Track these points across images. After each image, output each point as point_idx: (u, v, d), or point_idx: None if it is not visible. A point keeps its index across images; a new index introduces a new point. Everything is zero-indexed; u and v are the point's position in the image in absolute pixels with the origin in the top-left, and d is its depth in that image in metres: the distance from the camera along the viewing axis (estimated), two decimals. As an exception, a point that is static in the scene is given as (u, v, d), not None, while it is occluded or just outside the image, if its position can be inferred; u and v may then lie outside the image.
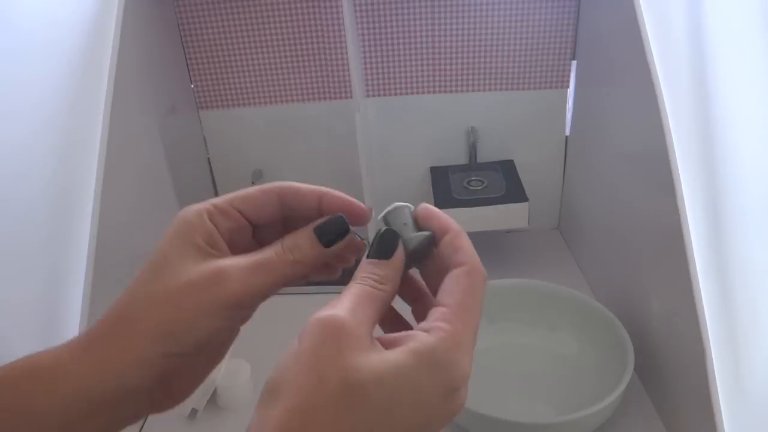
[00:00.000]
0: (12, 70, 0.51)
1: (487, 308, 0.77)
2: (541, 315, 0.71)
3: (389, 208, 0.31)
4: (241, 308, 0.29)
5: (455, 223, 0.31)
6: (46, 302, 0.50)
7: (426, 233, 0.30)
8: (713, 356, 0.50)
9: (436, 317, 0.27)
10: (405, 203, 0.32)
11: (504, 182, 0.85)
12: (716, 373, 0.49)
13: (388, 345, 0.26)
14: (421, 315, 0.32)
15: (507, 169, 0.89)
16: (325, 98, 0.90)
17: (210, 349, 0.31)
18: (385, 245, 0.29)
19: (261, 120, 0.92)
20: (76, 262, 0.55)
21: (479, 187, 0.85)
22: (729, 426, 0.48)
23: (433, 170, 0.92)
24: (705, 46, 0.53)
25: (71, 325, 0.52)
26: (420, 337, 0.25)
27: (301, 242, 0.30)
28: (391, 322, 0.32)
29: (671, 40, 0.58)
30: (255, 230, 0.32)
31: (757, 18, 0.48)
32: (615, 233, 0.75)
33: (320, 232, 0.31)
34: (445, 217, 0.31)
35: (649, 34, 0.60)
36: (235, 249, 0.31)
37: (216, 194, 0.98)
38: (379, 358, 0.24)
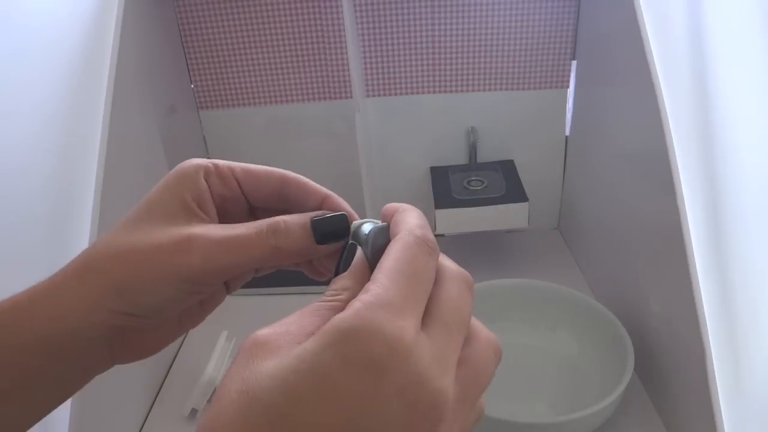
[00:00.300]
0: (12, 70, 0.51)
1: (488, 308, 0.78)
2: (541, 315, 0.71)
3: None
4: (199, 283, 0.27)
5: (407, 205, 0.28)
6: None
7: (377, 224, 0.28)
8: (713, 356, 0.50)
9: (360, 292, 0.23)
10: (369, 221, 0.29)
11: (504, 182, 0.85)
12: (716, 373, 0.49)
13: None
14: None
15: (507, 169, 0.89)
16: (325, 98, 0.90)
17: (168, 316, 0.29)
18: (346, 259, 0.27)
19: (261, 120, 0.92)
20: (76, 262, 0.55)
21: (479, 187, 0.85)
22: (729, 426, 0.48)
23: (433, 170, 0.92)
24: (705, 46, 0.53)
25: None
26: (334, 317, 0.21)
27: (292, 229, 0.28)
28: None
29: (671, 40, 0.58)
30: (253, 211, 0.31)
31: (757, 18, 0.48)
32: (615, 233, 0.75)
33: (318, 225, 0.28)
34: (397, 204, 0.28)
35: (649, 34, 0.60)
36: (227, 220, 0.29)
37: (216, 194, 0.98)
38: (280, 357, 0.21)
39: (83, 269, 0.27)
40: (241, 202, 0.30)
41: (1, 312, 0.27)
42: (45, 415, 0.28)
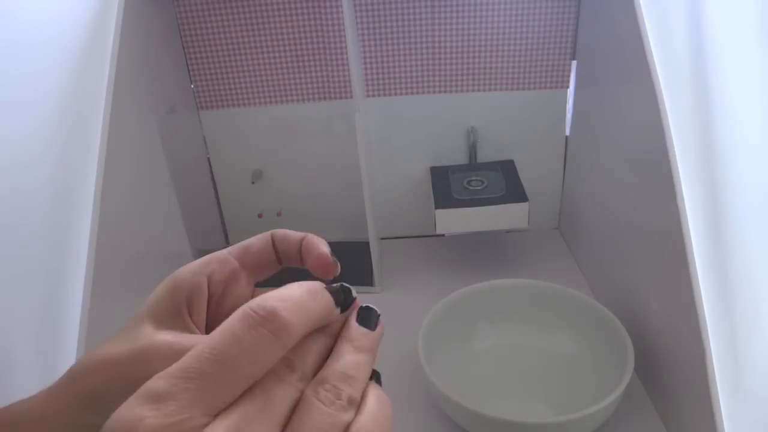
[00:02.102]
0: (12, 70, 0.51)
1: (488, 308, 0.78)
2: (541, 315, 0.71)
3: None
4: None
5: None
6: (46, 302, 0.50)
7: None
8: (713, 356, 0.50)
9: None
10: None
11: (504, 182, 0.85)
12: (716, 373, 0.49)
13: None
14: None
15: (507, 169, 0.89)
16: (325, 98, 0.90)
17: None
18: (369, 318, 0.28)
19: (261, 120, 0.92)
20: (76, 262, 0.55)
21: (479, 187, 0.85)
22: (729, 426, 0.48)
23: (433, 170, 0.92)
24: (705, 46, 0.53)
25: (71, 325, 0.52)
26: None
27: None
28: None
29: (671, 40, 0.58)
30: (257, 274, 0.34)
31: (757, 18, 0.48)
32: (615, 233, 0.75)
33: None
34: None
35: (649, 34, 0.60)
36: (228, 298, 0.32)
37: (216, 194, 0.98)
38: None
39: (68, 380, 0.28)
40: (241, 277, 0.33)
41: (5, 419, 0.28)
42: None
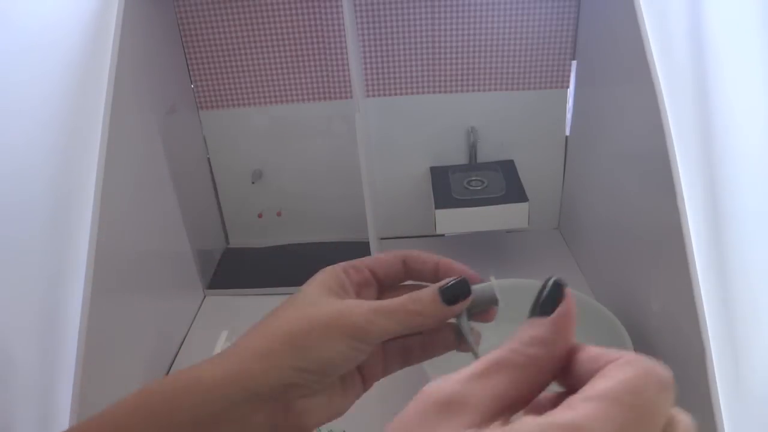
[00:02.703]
0: (12, 70, 0.51)
1: (487, 308, 0.76)
2: (541, 315, 0.71)
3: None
4: (361, 341, 0.32)
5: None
6: (46, 302, 0.50)
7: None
8: (713, 356, 0.50)
9: (580, 397, 0.20)
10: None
11: (504, 182, 0.85)
12: (716, 373, 0.49)
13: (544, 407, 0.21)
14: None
15: (507, 169, 0.89)
16: (325, 98, 0.90)
17: (333, 381, 0.33)
18: (546, 298, 0.25)
19: (261, 120, 0.92)
20: (76, 262, 0.55)
21: (479, 187, 0.85)
22: (729, 426, 0.48)
23: (433, 170, 0.92)
24: (705, 46, 0.53)
25: (71, 325, 0.52)
26: (553, 413, 0.19)
27: (424, 297, 0.33)
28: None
29: (671, 40, 0.58)
30: (381, 291, 0.38)
31: (757, 18, 0.48)
32: (615, 233, 0.75)
33: (444, 290, 0.34)
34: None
35: (649, 34, 0.60)
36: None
37: (216, 194, 0.98)
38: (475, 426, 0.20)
39: (256, 333, 0.33)
40: (373, 286, 0.37)
41: (188, 377, 0.31)
42: None
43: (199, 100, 0.91)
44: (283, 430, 0.32)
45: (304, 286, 0.35)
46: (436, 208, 0.81)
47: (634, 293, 0.68)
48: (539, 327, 0.24)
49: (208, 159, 0.95)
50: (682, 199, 0.54)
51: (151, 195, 0.74)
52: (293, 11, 0.84)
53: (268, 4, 0.83)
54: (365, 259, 0.38)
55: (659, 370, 0.22)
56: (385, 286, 0.38)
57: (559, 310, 0.24)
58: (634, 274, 0.69)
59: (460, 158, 0.94)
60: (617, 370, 0.21)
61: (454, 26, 0.85)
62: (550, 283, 0.25)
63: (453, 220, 0.81)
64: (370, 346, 0.33)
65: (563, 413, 0.19)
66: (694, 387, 0.53)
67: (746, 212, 0.49)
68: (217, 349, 0.70)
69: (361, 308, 0.32)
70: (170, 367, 0.75)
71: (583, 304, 0.68)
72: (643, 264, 0.66)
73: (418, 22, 0.84)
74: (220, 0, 0.83)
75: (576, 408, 0.19)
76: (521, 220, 0.81)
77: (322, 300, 0.34)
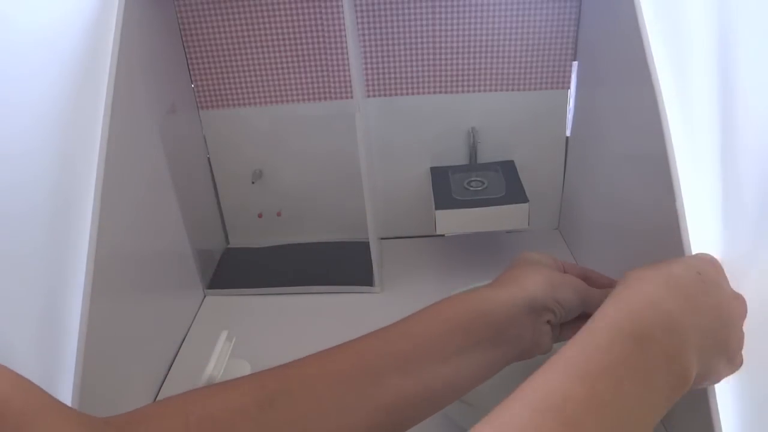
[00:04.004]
0: (12, 70, 0.51)
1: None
2: (541, 315, 0.71)
3: None
4: (584, 301, 0.49)
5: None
6: (46, 302, 0.50)
7: None
8: (713, 357, 0.50)
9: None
10: None
11: (504, 183, 0.85)
12: (716, 374, 0.49)
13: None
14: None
15: (507, 169, 0.89)
16: (325, 98, 0.90)
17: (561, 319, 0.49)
18: None
19: (261, 120, 0.92)
20: (76, 262, 0.55)
21: (479, 188, 0.85)
22: (729, 426, 0.48)
23: (434, 170, 0.92)
24: (706, 47, 0.53)
25: (71, 325, 0.52)
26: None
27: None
28: None
29: (672, 41, 0.58)
30: None
31: (757, 18, 0.48)
32: (615, 233, 0.75)
33: None
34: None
35: (649, 35, 0.60)
36: None
37: (216, 194, 0.98)
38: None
39: (525, 268, 0.51)
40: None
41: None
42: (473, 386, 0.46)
43: (199, 100, 0.91)
44: (530, 340, 0.47)
45: (535, 259, 0.53)
46: (437, 208, 0.81)
47: (634, 294, 0.68)
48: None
49: (208, 159, 0.95)
50: (682, 199, 0.54)
51: (151, 195, 0.74)
52: (293, 11, 0.84)
53: (268, 4, 0.83)
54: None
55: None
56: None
57: None
58: (634, 275, 0.69)
59: (461, 159, 0.94)
60: None
61: (454, 26, 0.85)
62: None
63: (453, 221, 0.81)
64: (582, 308, 0.48)
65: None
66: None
67: (746, 212, 0.49)
68: (217, 349, 0.70)
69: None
70: (170, 367, 0.75)
71: (583, 304, 0.68)
72: (643, 264, 0.66)
73: (418, 22, 0.84)
74: (220, 0, 0.83)
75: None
76: (521, 220, 0.81)
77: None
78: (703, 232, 0.53)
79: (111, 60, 0.64)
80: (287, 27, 0.85)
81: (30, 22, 0.54)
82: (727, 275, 0.46)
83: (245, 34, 0.85)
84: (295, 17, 0.84)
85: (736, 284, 0.47)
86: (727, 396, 0.49)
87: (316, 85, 0.89)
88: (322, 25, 0.84)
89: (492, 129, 0.92)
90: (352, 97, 0.85)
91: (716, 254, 0.50)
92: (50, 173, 0.54)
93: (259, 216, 0.99)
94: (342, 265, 0.91)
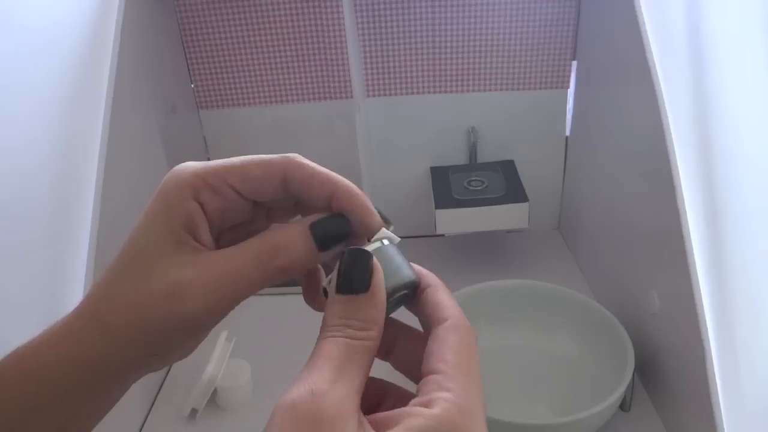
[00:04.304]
0: (12, 70, 0.51)
1: (487, 309, 0.77)
2: (541, 315, 0.71)
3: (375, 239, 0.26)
4: (205, 325, 0.26)
5: (434, 277, 0.27)
6: (46, 302, 0.50)
7: (410, 276, 0.26)
8: (713, 356, 0.50)
9: (431, 387, 0.22)
10: (386, 235, 0.26)
11: (504, 182, 0.85)
12: (716, 373, 0.49)
13: (379, 426, 0.21)
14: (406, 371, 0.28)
15: (507, 169, 0.89)
16: (325, 98, 0.90)
17: (186, 346, 0.28)
18: (358, 271, 0.24)
19: (261, 120, 0.92)
20: (76, 262, 0.55)
21: (479, 188, 0.85)
22: (729, 426, 0.48)
23: (434, 170, 0.92)
24: (705, 47, 0.53)
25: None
26: (420, 412, 0.21)
27: (292, 244, 0.25)
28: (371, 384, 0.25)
29: (671, 40, 0.58)
30: (255, 210, 0.28)
31: (757, 18, 0.48)
32: (615, 233, 0.75)
33: (319, 233, 0.26)
34: (423, 270, 0.27)
35: (649, 35, 0.60)
36: (228, 224, 0.28)
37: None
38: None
39: (93, 322, 0.26)
40: (243, 205, 0.27)
41: (23, 356, 0.27)
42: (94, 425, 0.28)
43: (200, 100, 0.91)
44: (149, 369, 0.28)
45: (140, 230, 0.27)
46: (437, 208, 0.81)
47: (634, 293, 0.68)
48: (366, 306, 0.24)
49: (208, 159, 0.95)
50: (682, 199, 0.54)
51: (151, 195, 0.74)
52: (293, 11, 0.84)
53: (268, 4, 0.83)
54: (229, 168, 0.26)
55: (467, 328, 0.25)
56: (260, 205, 0.28)
57: (374, 281, 0.24)
58: (634, 275, 0.69)
59: (461, 158, 0.94)
60: (440, 343, 0.24)
61: (454, 26, 0.85)
62: (353, 254, 0.24)
63: (453, 220, 0.81)
64: (216, 322, 0.27)
65: (443, 396, 0.22)
66: (694, 387, 0.53)
67: (746, 212, 0.49)
68: (217, 349, 0.70)
69: (197, 287, 0.25)
70: (170, 367, 0.75)
71: (583, 304, 0.68)
72: (643, 264, 0.66)
73: (418, 22, 0.84)
74: (220, 0, 0.83)
75: (449, 389, 0.22)
76: (521, 220, 0.81)
77: (154, 266, 0.25)
78: (703, 231, 0.53)
79: (111, 60, 0.64)
80: (287, 27, 0.85)
81: (31, 22, 0.54)
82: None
83: (245, 34, 0.85)
84: (294, 17, 0.84)
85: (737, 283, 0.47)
86: (727, 396, 0.49)
87: (316, 85, 0.89)
88: (321, 25, 0.84)
89: (492, 129, 0.92)
90: (352, 97, 0.85)
91: (716, 254, 0.50)
92: (51, 173, 0.54)
93: (259, 216, 0.99)
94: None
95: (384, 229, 0.26)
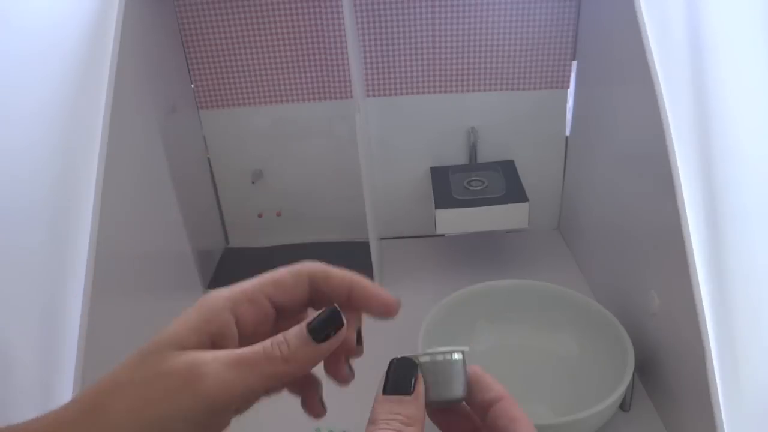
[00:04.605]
0: (13, 70, 0.51)
1: (487, 309, 0.77)
2: (541, 315, 0.71)
3: (437, 351, 0.30)
4: (216, 411, 0.26)
5: (505, 390, 0.30)
6: (46, 302, 0.50)
7: (455, 394, 0.29)
8: (713, 356, 0.50)
9: None
10: (455, 349, 0.30)
11: (504, 182, 0.85)
12: (716, 373, 0.49)
13: None
14: None
15: (507, 169, 0.89)
16: (325, 98, 0.90)
17: None
18: (402, 377, 0.28)
19: (261, 120, 0.92)
20: (76, 262, 0.55)
21: (479, 188, 0.85)
22: (729, 426, 0.48)
23: (434, 170, 0.92)
24: (705, 46, 0.53)
25: (71, 326, 0.52)
26: None
27: (292, 339, 0.28)
28: None
29: (671, 40, 0.58)
30: (279, 316, 0.31)
31: (757, 18, 0.48)
32: (615, 233, 0.75)
33: (313, 327, 0.28)
34: (496, 383, 0.30)
35: (649, 35, 0.60)
36: (256, 338, 0.29)
37: (216, 194, 0.98)
38: None
39: (89, 411, 0.25)
40: (272, 315, 0.30)
41: None
42: None
43: (199, 100, 0.91)
44: None
45: (174, 325, 0.28)
46: (437, 208, 0.81)
47: (634, 293, 0.68)
48: (410, 406, 0.27)
49: (208, 159, 0.95)
50: (682, 199, 0.54)
51: (151, 195, 0.74)
52: (293, 11, 0.84)
53: (268, 4, 0.83)
54: (263, 282, 0.30)
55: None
56: (285, 314, 0.31)
57: (417, 387, 0.28)
58: (634, 275, 0.69)
59: (461, 158, 0.94)
60: None
61: (454, 26, 0.85)
62: (399, 362, 0.28)
63: (453, 220, 0.81)
64: (232, 414, 0.27)
65: None
66: (694, 387, 0.53)
67: (746, 212, 0.49)
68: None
69: (213, 366, 0.25)
70: (170, 367, 0.75)
71: (583, 304, 0.68)
72: (643, 264, 0.66)
73: (418, 22, 0.84)
74: (220, 0, 0.83)
75: None
76: (521, 220, 0.81)
77: (171, 355, 0.26)
78: (703, 231, 0.53)
79: (111, 60, 0.64)
80: (287, 27, 0.85)
81: (31, 22, 0.54)
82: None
83: (245, 34, 0.85)
84: (294, 17, 0.84)
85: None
86: (727, 396, 0.49)
87: (316, 85, 0.89)
88: (321, 25, 0.84)
89: (492, 129, 0.92)
90: (352, 97, 0.85)
91: (716, 254, 0.50)
92: (51, 173, 0.54)
93: (260, 216, 0.99)
94: (342, 265, 0.91)
95: (454, 348, 0.30)
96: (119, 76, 0.64)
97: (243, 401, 0.27)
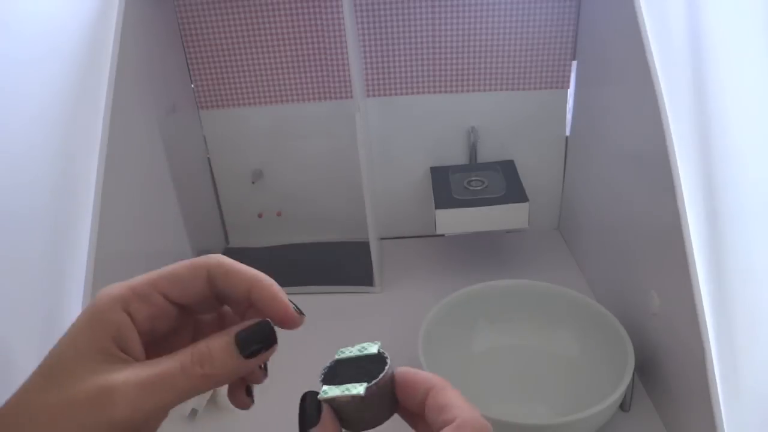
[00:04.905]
0: (12, 71, 0.51)
1: (487, 309, 0.77)
2: (541, 315, 0.71)
3: (347, 351, 0.28)
4: None
5: (437, 378, 0.27)
6: (46, 302, 0.50)
7: (357, 392, 0.26)
8: (713, 356, 0.50)
9: None
10: (371, 345, 0.28)
11: (504, 182, 0.85)
12: (716, 373, 0.49)
13: None
14: None
15: (507, 169, 0.89)
16: (325, 98, 0.90)
17: None
18: (307, 413, 0.26)
19: (261, 120, 0.92)
20: (76, 262, 0.55)
21: (479, 188, 0.85)
22: (729, 426, 0.48)
23: (434, 170, 0.92)
24: (705, 46, 0.53)
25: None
26: None
27: (217, 352, 0.26)
28: None
29: (671, 40, 0.58)
30: (184, 311, 0.29)
31: (757, 18, 0.48)
32: (615, 233, 0.75)
33: (243, 340, 0.26)
34: (423, 376, 0.27)
35: (649, 35, 0.60)
36: (157, 334, 0.28)
37: (216, 194, 0.98)
38: None
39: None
40: (171, 311, 0.28)
41: None
42: None
43: (199, 100, 0.91)
44: None
45: (65, 342, 0.26)
46: (437, 208, 0.81)
47: (634, 293, 0.68)
48: None
49: (208, 159, 0.95)
50: (682, 199, 0.54)
51: (151, 195, 0.74)
52: (293, 11, 0.84)
53: (268, 4, 0.83)
54: (156, 277, 0.27)
55: (473, 426, 0.25)
56: (190, 310, 0.29)
57: (322, 415, 0.26)
58: (634, 275, 0.69)
59: (461, 158, 0.94)
60: None
61: (454, 26, 0.85)
62: (303, 397, 0.26)
63: (453, 221, 0.81)
64: (146, 427, 0.26)
65: None
66: (694, 387, 0.53)
67: (746, 212, 0.49)
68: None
69: (125, 390, 0.24)
70: (170, 367, 0.75)
71: (583, 304, 0.68)
72: (643, 264, 0.66)
73: (418, 22, 0.84)
74: (220, 0, 0.83)
75: None
76: (521, 220, 0.81)
77: (77, 376, 0.25)
78: (703, 231, 0.53)
79: (111, 60, 0.64)
80: (287, 27, 0.85)
81: (30, 23, 0.54)
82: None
83: (245, 34, 0.85)
84: (295, 17, 0.84)
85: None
86: (727, 396, 0.49)
87: (316, 85, 0.89)
88: (322, 25, 0.84)
89: (492, 129, 0.92)
90: (352, 97, 0.85)
91: (716, 254, 0.50)
92: (51, 173, 0.54)
93: (260, 216, 0.99)
94: (342, 265, 0.91)
95: (369, 349, 0.28)
96: (119, 77, 0.64)
97: (157, 419, 0.26)
